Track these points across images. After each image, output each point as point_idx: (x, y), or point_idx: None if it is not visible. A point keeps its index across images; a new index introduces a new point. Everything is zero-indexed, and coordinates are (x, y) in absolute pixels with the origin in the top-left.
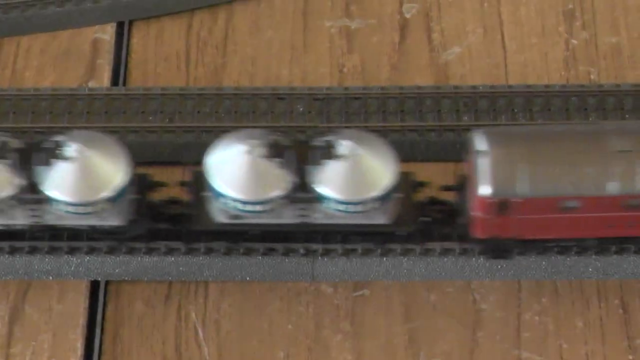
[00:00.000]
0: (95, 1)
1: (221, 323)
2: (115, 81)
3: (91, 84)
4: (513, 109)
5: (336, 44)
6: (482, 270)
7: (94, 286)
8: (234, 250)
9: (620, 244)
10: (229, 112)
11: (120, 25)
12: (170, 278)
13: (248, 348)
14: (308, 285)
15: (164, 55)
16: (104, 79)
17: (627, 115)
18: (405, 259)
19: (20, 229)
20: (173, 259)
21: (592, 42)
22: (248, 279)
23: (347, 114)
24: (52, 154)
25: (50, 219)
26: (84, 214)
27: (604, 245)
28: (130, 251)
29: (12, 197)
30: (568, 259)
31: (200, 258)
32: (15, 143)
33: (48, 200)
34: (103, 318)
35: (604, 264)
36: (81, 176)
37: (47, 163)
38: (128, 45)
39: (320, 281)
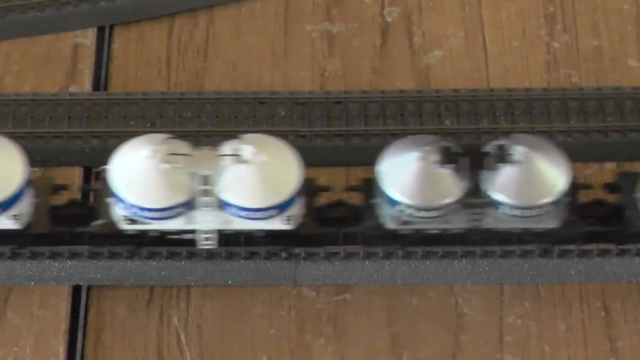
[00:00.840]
0: (76, 6)
1: (203, 327)
2: (96, 86)
3: (72, 89)
4: (495, 112)
5: (317, 47)
6: (465, 273)
7: (76, 291)
8: (215, 255)
9: (602, 247)
10: (211, 117)
11: (101, 30)
12: (152, 282)
13: (230, 352)
14: (290, 289)
15: (145, 60)
16: (85, 83)
17: (608, 119)
18: (388, 262)
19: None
20: (155, 263)
21: (573, 45)
22: (230, 283)
23: (328, 118)
24: (500, 158)
25: (488, 223)
26: (525, 217)
27: (586, 248)
28: (112, 256)
29: (457, 202)
30: (550, 261)
31: (183, 262)
32: (455, 148)
33: (493, 203)
34: (85, 323)
35: (586, 267)
36: (528, 179)
37: (494, 167)
38: (109, 50)
39: (303, 285)
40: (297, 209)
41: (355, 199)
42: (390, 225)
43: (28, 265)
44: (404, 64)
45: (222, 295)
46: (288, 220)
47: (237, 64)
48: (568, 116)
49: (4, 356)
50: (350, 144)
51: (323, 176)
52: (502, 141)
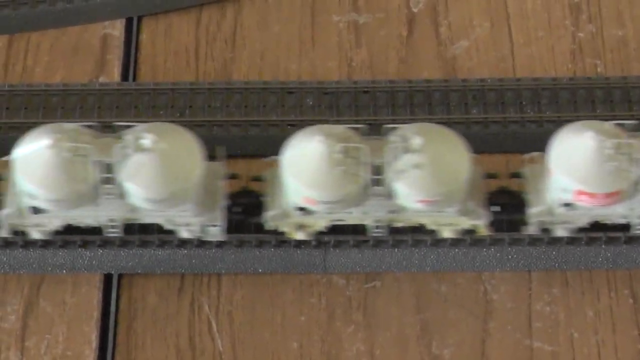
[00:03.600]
0: None
1: (234, 315)
2: (125, 76)
3: (101, 79)
4: (521, 101)
5: (344, 38)
6: (493, 260)
7: (107, 279)
8: (246, 243)
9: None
10: (239, 106)
11: (129, 21)
12: (182, 270)
13: (261, 339)
14: (320, 276)
15: (173, 50)
16: (114, 74)
17: (634, 107)
18: (417, 250)
19: None
20: (185, 251)
21: (599, 34)
22: (260, 270)
23: (356, 107)
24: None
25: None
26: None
27: (613, 235)
28: (143, 244)
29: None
30: (578, 248)
31: (213, 250)
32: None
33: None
34: (117, 311)
35: (613, 254)
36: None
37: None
38: (137, 41)
39: (332, 273)
40: None
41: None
42: None
43: (60, 253)
44: (430, 54)
45: (252, 282)
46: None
47: (265, 54)
48: (594, 105)
49: (37, 343)
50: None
51: None
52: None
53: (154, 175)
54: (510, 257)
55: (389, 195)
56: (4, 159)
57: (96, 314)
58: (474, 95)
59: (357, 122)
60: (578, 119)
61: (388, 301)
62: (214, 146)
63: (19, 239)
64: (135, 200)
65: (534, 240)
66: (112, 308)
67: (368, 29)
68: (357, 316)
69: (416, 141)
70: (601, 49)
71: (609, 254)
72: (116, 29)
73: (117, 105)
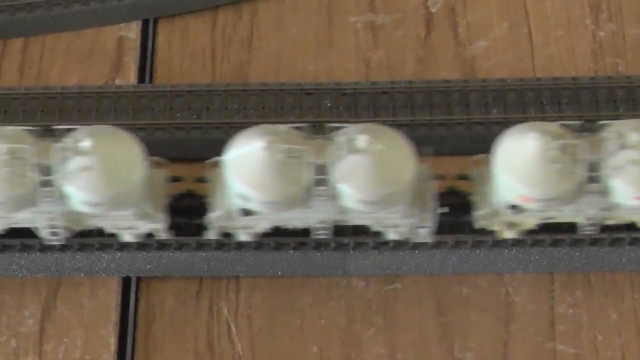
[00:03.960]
0: None
1: (253, 318)
2: (141, 79)
3: (117, 82)
4: (542, 101)
5: (361, 38)
6: (515, 262)
7: (126, 282)
8: (264, 245)
9: None
10: (256, 108)
11: (145, 23)
12: (201, 273)
13: (281, 343)
14: (340, 279)
15: (190, 52)
16: (130, 76)
17: None
18: (438, 251)
19: None
20: (204, 254)
21: (619, 33)
22: (280, 273)
23: (374, 108)
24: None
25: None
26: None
27: (637, 236)
28: (161, 247)
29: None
30: (601, 250)
31: (232, 253)
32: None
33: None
34: (135, 314)
35: (637, 255)
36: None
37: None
38: (153, 43)
39: (352, 275)
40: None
41: None
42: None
43: (77, 256)
44: (448, 54)
45: (271, 285)
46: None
47: (281, 56)
48: (616, 104)
49: (54, 348)
50: None
51: None
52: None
53: (368, 176)
54: (532, 258)
55: (604, 192)
56: (212, 160)
57: (114, 317)
58: (494, 96)
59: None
60: (599, 118)
61: (408, 304)
62: (418, 146)
63: (36, 242)
64: (348, 202)
65: (556, 242)
66: (131, 312)
67: (385, 29)
68: (377, 319)
69: (634, 137)
70: (622, 48)
71: (632, 255)
72: (132, 31)
73: (134, 108)
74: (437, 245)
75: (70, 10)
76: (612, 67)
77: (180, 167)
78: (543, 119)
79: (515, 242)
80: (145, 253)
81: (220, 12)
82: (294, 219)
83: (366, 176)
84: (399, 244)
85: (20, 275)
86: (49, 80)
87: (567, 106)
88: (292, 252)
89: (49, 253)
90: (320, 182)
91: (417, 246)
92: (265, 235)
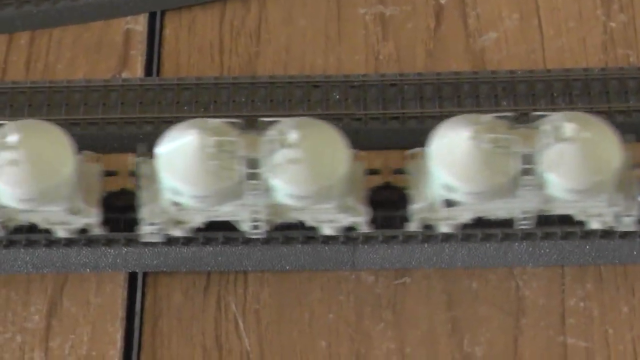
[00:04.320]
0: None
1: (261, 313)
2: (148, 72)
3: (124, 75)
4: (552, 93)
5: (371, 31)
6: (525, 255)
7: (132, 278)
8: (272, 239)
9: None
10: (264, 101)
11: (152, 16)
12: (208, 268)
13: (289, 338)
14: (349, 274)
15: (197, 45)
16: (137, 69)
17: None
18: (447, 245)
19: None
20: (211, 249)
21: (631, 24)
22: (288, 268)
23: (384, 100)
24: None
25: None
26: None
27: None
28: (168, 242)
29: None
30: (612, 242)
31: (239, 248)
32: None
33: None
34: (142, 310)
35: None
36: None
37: None
38: (160, 36)
39: (361, 269)
40: None
41: None
42: None
43: (83, 252)
44: (458, 46)
45: (279, 280)
46: None
47: (290, 49)
48: (627, 96)
49: (61, 344)
50: (406, 127)
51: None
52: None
53: (577, 164)
54: (542, 251)
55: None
56: (413, 151)
57: (121, 313)
58: (504, 87)
59: (384, 115)
60: (610, 110)
61: (418, 298)
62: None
63: (41, 238)
64: (555, 191)
65: (566, 234)
66: (137, 307)
67: (395, 21)
68: (386, 314)
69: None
70: (633, 39)
71: None
72: (139, 24)
73: (141, 101)
74: (447, 238)
75: (77, 3)
76: (623, 58)
77: None
78: (553, 111)
79: (526, 235)
80: (152, 248)
81: (228, 4)
82: (498, 209)
83: (575, 164)
84: (408, 238)
85: (26, 271)
86: (56, 74)
87: (578, 98)
88: (300, 246)
89: (55, 248)
90: (527, 172)
91: (426, 240)
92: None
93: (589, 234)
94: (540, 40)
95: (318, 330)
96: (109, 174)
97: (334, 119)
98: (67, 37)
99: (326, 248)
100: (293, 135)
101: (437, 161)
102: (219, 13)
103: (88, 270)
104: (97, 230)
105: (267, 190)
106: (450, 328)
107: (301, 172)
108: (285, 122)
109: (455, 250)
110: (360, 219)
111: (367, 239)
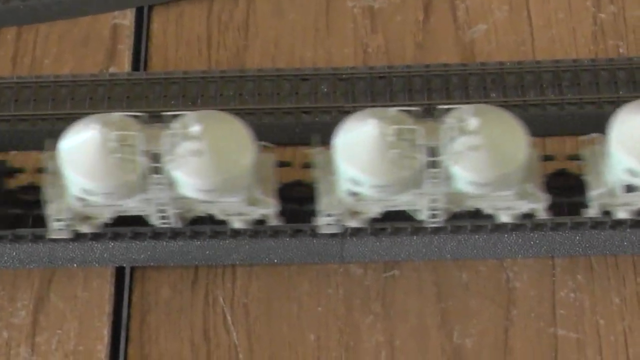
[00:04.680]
0: None
1: (249, 307)
2: (136, 66)
3: (112, 70)
4: (542, 84)
5: (360, 24)
6: (515, 246)
7: (119, 272)
8: (260, 233)
9: None
10: (252, 95)
11: (139, 11)
12: (196, 262)
13: (278, 332)
14: (337, 266)
15: (185, 40)
16: (125, 64)
17: None
18: (436, 237)
19: None
20: (199, 242)
21: (620, 15)
22: (276, 261)
23: (372, 93)
24: None
25: None
26: None
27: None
28: (156, 236)
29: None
30: (602, 233)
31: (227, 241)
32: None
33: None
34: (129, 304)
35: (639, 238)
36: None
37: None
38: (148, 30)
39: (350, 262)
40: None
41: None
42: None
43: (70, 247)
44: (448, 38)
45: (267, 274)
46: None
47: (279, 42)
48: (617, 87)
49: (48, 339)
50: None
51: None
52: None
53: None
54: (532, 242)
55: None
56: (588, 136)
57: (108, 308)
58: (493, 79)
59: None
60: (600, 100)
61: (407, 290)
62: None
63: (28, 233)
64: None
65: (556, 225)
66: (125, 302)
67: (383, 14)
68: (375, 306)
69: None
70: (623, 30)
71: (635, 238)
72: (126, 19)
73: (128, 96)
74: (436, 230)
75: None
76: (613, 49)
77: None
78: (543, 102)
79: (515, 227)
80: (139, 242)
81: None
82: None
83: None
84: (397, 230)
85: (12, 266)
86: (43, 69)
87: (567, 89)
88: (288, 239)
89: (41, 243)
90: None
91: (415, 232)
92: (260, 222)
93: (579, 225)
94: (529, 32)
95: (307, 324)
96: (283, 164)
97: (322, 112)
98: (54, 32)
99: (314, 241)
100: (473, 122)
101: (619, 146)
102: (207, 7)
103: (75, 265)
104: (274, 221)
105: (447, 178)
106: (440, 320)
107: (482, 159)
108: (464, 108)
109: (444, 242)
110: (539, 205)
111: (356, 231)
